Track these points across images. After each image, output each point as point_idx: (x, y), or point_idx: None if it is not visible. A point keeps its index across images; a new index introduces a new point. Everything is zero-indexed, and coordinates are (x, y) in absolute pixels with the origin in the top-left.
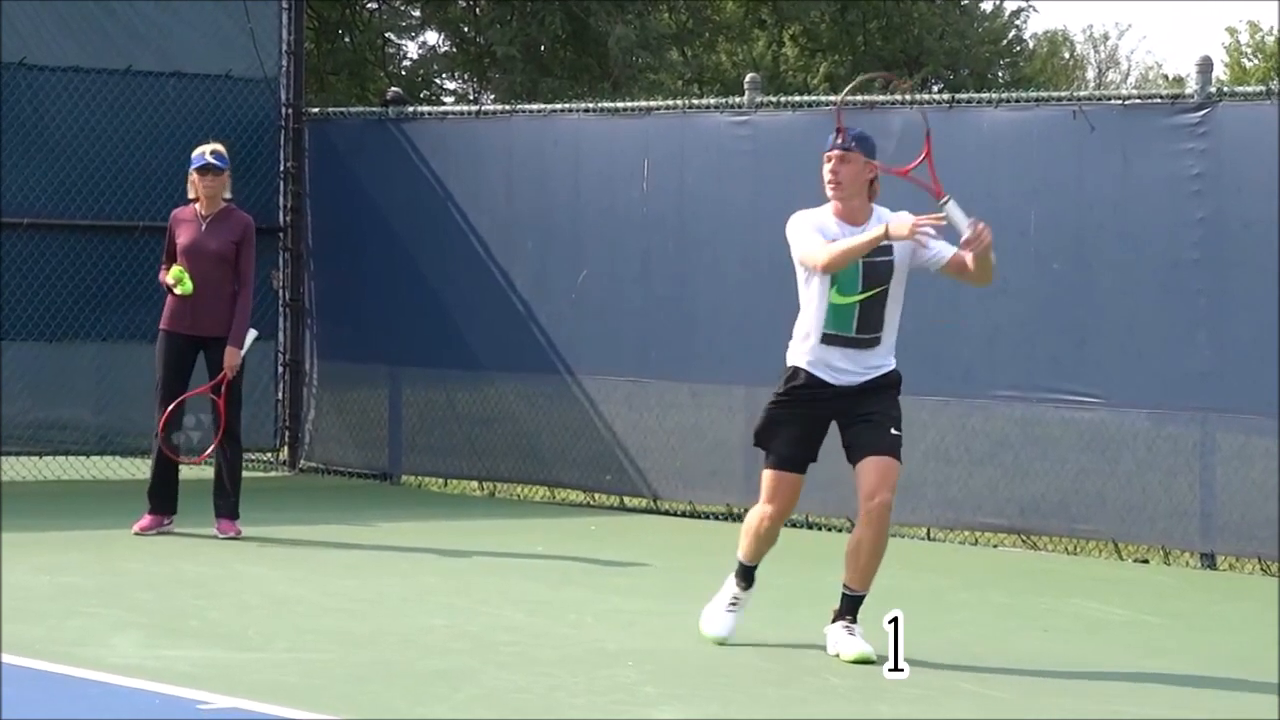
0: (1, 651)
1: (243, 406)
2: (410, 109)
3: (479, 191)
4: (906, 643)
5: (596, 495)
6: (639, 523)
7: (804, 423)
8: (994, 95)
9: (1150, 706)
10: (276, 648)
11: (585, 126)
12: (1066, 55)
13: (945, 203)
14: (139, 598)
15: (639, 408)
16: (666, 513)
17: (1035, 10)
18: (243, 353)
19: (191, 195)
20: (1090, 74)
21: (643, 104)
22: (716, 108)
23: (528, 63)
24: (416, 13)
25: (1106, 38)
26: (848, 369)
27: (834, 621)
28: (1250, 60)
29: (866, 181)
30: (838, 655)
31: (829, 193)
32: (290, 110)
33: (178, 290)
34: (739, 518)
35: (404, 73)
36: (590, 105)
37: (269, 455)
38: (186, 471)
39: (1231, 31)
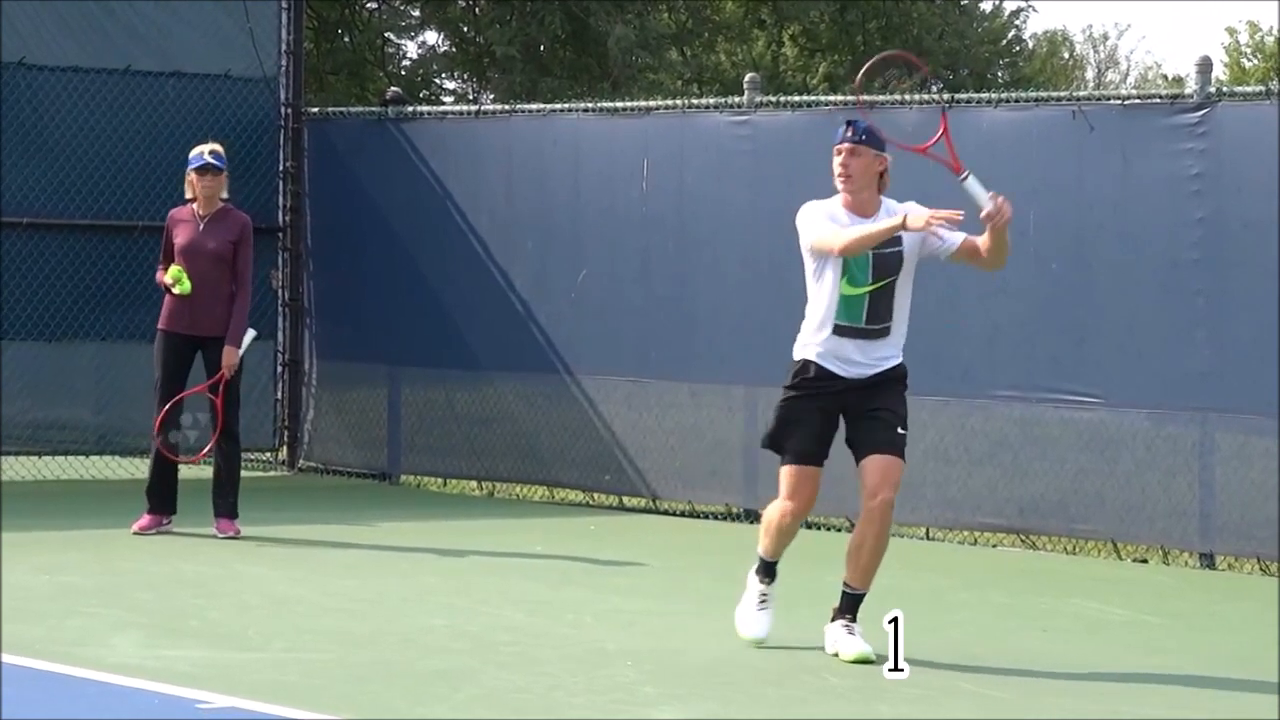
0: (1, 651)
1: (242, 406)
2: (410, 109)
3: (478, 191)
4: (906, 643)
5: (596, 495)
6: (638, 523)
7: (817, 415)
8: (993, 95)
9: (1150, 706)
10: (276, 647)
11: (585, 126)
12: (1066, 55)
13: (965, 178)
14: (138, 597)
15: (638, 408)
16: (666, 513)
17: (1034, 10)
18: (241, 352)
19: (189, 195)
20: (1090, 74)
21: (642, 104)
22: (716, 108)
23: (527, 63)
24: (416, 12)
25: (1106, 38)
26: (858, 360)
27: (834, 620)
28: (1250, 60)
29: (876, 174)
30: (837, 654)
31: (839, 185)
32: (289, 110)
33: (176, 290)
34: (738, 517)
35: (403, 72)
36: (590, 105)
37: (268, 455)
38: (185, 471)
39: (1231, 32)
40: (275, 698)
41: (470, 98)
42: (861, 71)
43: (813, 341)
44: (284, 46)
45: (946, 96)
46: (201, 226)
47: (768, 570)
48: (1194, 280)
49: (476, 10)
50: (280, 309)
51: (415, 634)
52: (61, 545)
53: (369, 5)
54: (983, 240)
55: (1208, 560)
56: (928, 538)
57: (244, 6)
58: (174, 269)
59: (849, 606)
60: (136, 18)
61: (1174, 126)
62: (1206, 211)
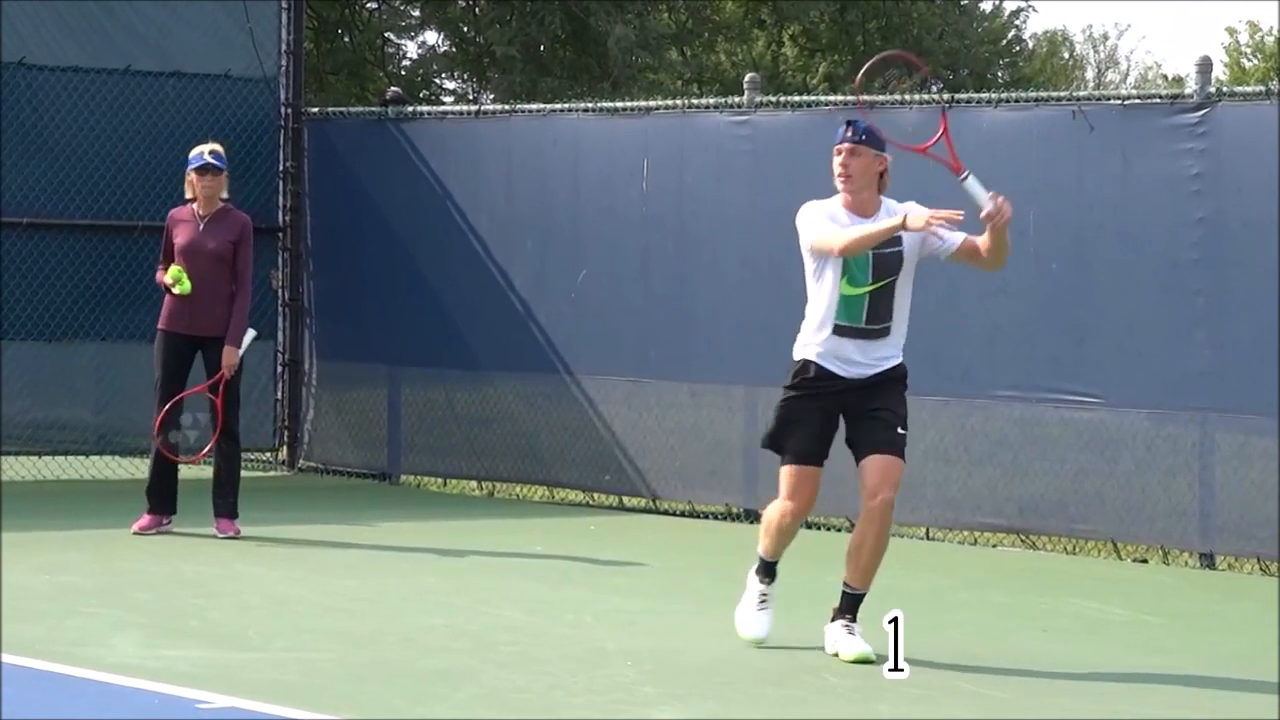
0: (1, 651)
1: (242, 406)
2: (409, 109)
3: (478, 191)
4: (906, 642)
5: (595, 495)
6: (638, 522)
7: (817, 415)
8: (993, 95)
9: (1150, 706)
10: (276, 647)
11: (585, 126)
12: (1066, 55)
13: (965, 178)
14: (138, 597)
15: (638, 407)
16: (665, 512)
17: (1034, 10)
18: (241, 352)
19: (189, 195)
20: (1090, 74)
21: (642, 104)
22: (716, 107)
23: (527, 62)
24: (416, 12)
25: (1106, 38)
26: (858, 360)
27: (834, 620)
28: (1250, 60)
29: (876, 174)
30: (836, 654)
31: (839, 186)
32: (289, 110)
33: (176, 290)
34: (738, 517)
35: (403, 72)
36: (590, 105)
37: (268, 455)
38: (185, 471)
39: (1231, 31)
40: (275, 697)
41: (470, 98)
42: (861, 71)
43: (813, 341)
44: (284, 46)
45: (946, 96)
46: (201, 226)
47: (768, 570)
48: (1194, 280)
49: (476, 10)
50: (280, 309)
51: (415, 633)
52: (61, 545)
53: (369, 5)
54: (983, 240)
55: (1208, 560)
56: (928, 538)
57: (244, 6)
58: (174, 269)
59: (849, 606)
60: (136, 17)
61: (1174, 126)
62: (1206, 211)
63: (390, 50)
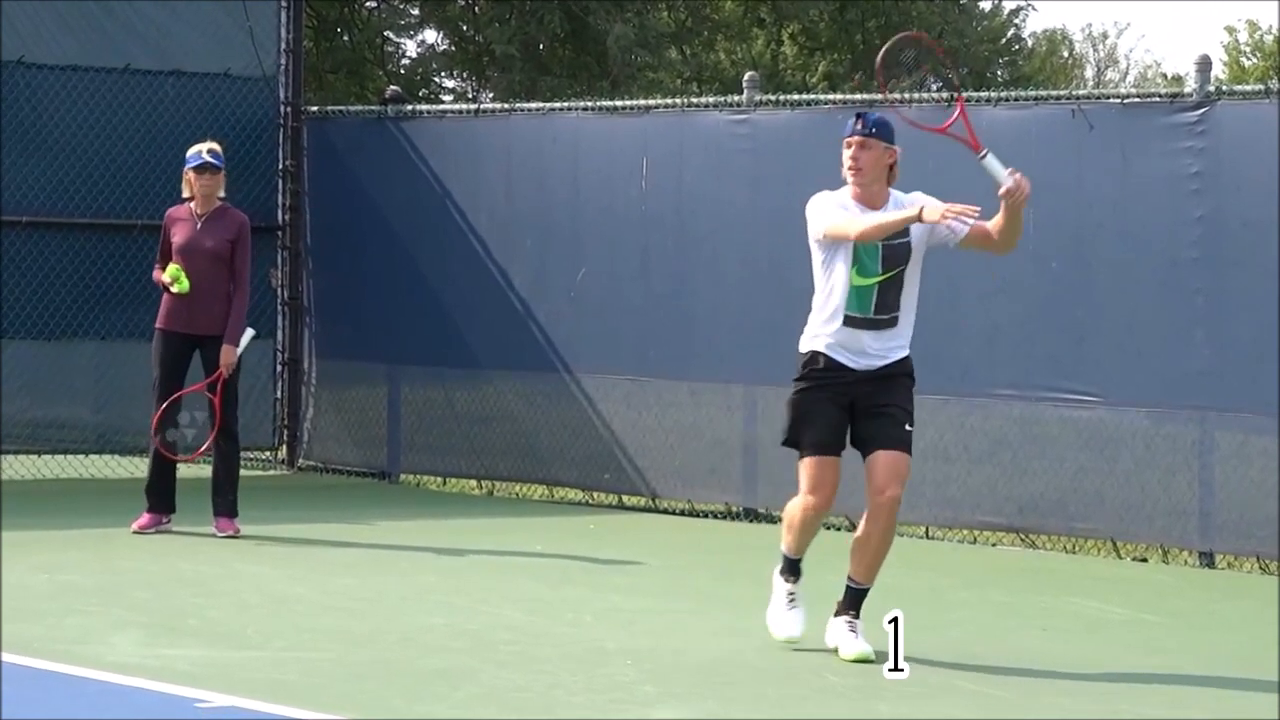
0: (1, 650)
1: (241, 405)
2: (409, 107)
3: (478, 190)
4: (905, 641)
5: (595, 494)
6: (638, 521)
7: (831, 405)
8: (993, 94)
9: (1149, 705)
10: (275, 646)
11: (584, 125)
12: (1065, 54)
13: (984, 155)
14: (138, 596)
15: (638, 406)
16: (665, 511)
17: (1034, 9)
18: (239, 351)
19: (187, 194)
20: (1089, 73)
21: (641, 102)
22: (715, 106)
23: (526, 61)
24: (415, 11)
25: (1105, 36)
26: (866, 351)
27: (838, 615)
28: (1249, 59)
29: (886, 167)
30: (836, 649)
31: (849, 178)
32: (289, 109)
33: (175, 289)
34: (738, 516)
35: (403, 71)
36: (589, 104)
37: (267, 454)
38: (185, 470)
39: (1230, 30)
40: (274, 696)
41: (469, 96)
42: (880, 55)
43: (822, 333)
44: (283, 45)
45: (946, 94)
46: (199, 225)
47: (792, 568)
48: (1193, 279)
49: (476, 9)
50: (280, 308)
51: (414, 632)
52: (61, 544)
53: (368, 4)
54: (995, 221)
55: (1207, 559)
56: (927, 536)
57: (243, 5)
58: (172, 268)
59: (853, 602)
60: (136, 16)
61: (1173, 125)
62: (1206, 210)
63: (389, 49)
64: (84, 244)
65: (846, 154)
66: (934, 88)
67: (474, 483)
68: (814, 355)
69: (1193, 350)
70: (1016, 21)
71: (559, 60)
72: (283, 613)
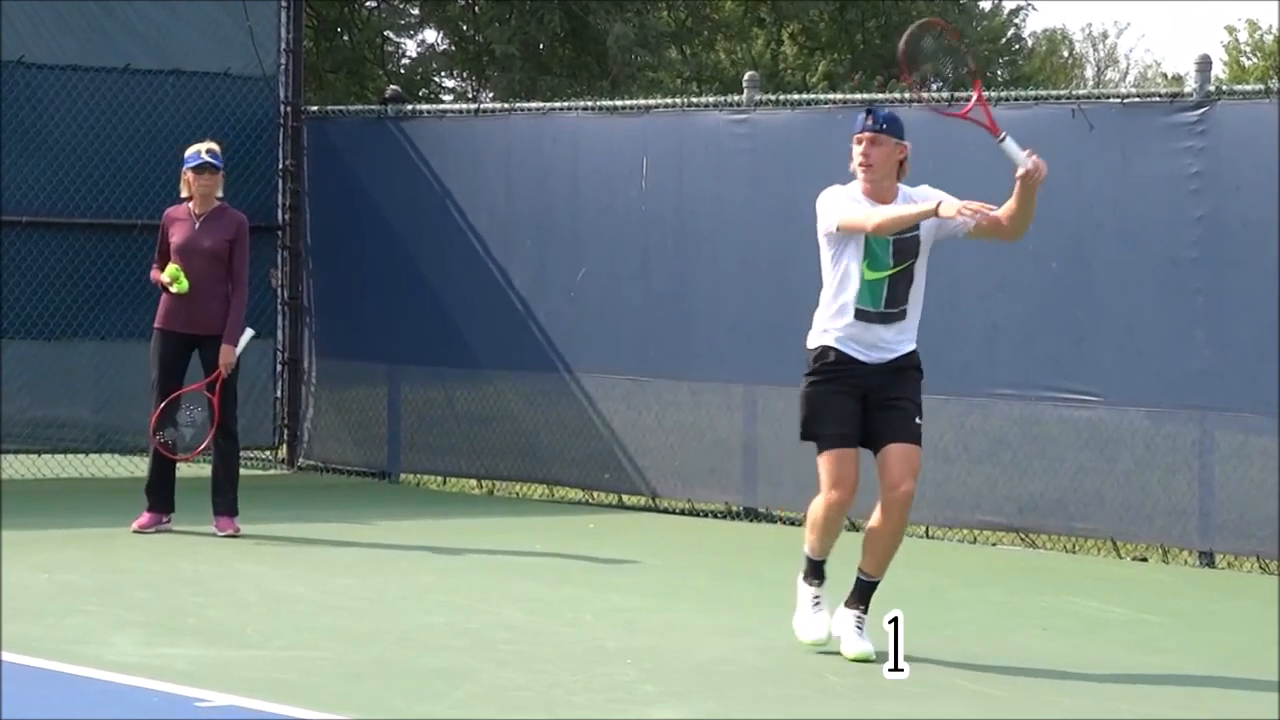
0: (1, 649)
1: (241, 405)
2: (409, 107)
3: (478, 190)
4: (905, 641)
5: (595, 493)
6: (637, 521)
7: (847, 397)
8: (993, 94)
9: (1149, 705)
10: (275, 646)
11: (584, 125)
12: (1065, 54)
13: (1003, 139)
14: (138, 596)
15: (638, 406)
16: (665, 511)
17: (1034, 9)
18: (238, 351)
19: (185, 194)
20: (1089, 72)
21: (641, 102)
22: (715, 106)
23: (526, 61)
24: (415, 11)
25: (1105, 36)
26: (876, 344)
27: (847, 607)
28: (1249, 59)
29: (896, 163)
30: (838, 640)
31: (859, 174)
32: (289, 108)
33: (174, 289)
34: (738, 516)
35: (403, 71)
36: (589, 104)
37: (267, 453)
38: (185, 469)
39: (1230, 30)
40: (274, 696)
41: (469, 96)
42: (902, 45)
43: (832, 327)
44: (283, 45)
45: (946, 95)
46: (197, 225)
47: (816, 571)
48: (1193, 279)
49: (476, 9)
50: (280, 307)
51: (414, 632)
52: (61, 543)
53: (368, 4)
54: (1006, 207)
55: (1207, 559)
56: (927, 536)
57: (243, 5)
58: (171, 267)
59: (863, 594)
60: (135, 16)
61: (1173, 125)
62: (1206, 210)
63: (389, 49)
64: (84, 244)
65: (857, 150)
66: (935, 87)
67: (474, 482)
68: (824, 350)
69: (1193, 350)
70: (1016, 21)
71: (559, 60)
72: (282, 612)
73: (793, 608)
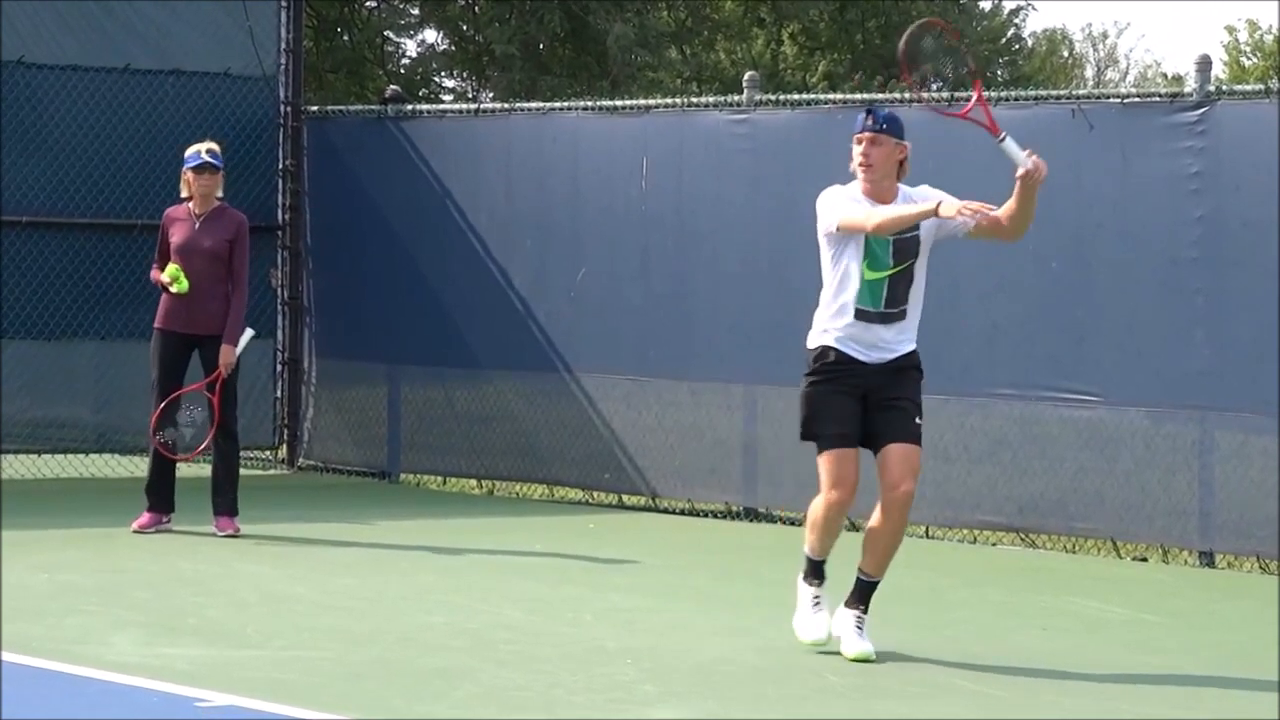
0: (1, 649)
1: (241, 405)
2: (409, 107)
3: (478, 190)
4: (905, 641)
5: (595, 493)
6: (637, 521)
7: (847, 397)
8: (993, 94)
9: (1149, 705)
10: (275, 646)
11: (584, 125)
12: (1065, 54)
13: (1003, 139)
14: (138, 596)
15: (638, 406)
16: (665, 511)
17: (1034, 9)
18: (238, 351)
19: (185, 194)
20: (1089, 72)
21: (641, 102)
22: (715, 106)
23: (526, 61)
24: (415, 11)
25: (1105, 36)
26: (877, 344)
27: (847, 607)
28: (1249, 59)
29: (896, 163)
30: (838, 640)
31: (860, 175)
32: (289, 108)
33: (174, 289)
34: (738, 516)
35: (403, 71)
36: (589, 104)
37: (267, 453)
38: (185, 469)
39: (1230, 30)
40: (274, 696)
41: (469, 96)
42: (902, 45)
43: (832, 327)
44: (283, 45)
45: (946, 95)
46: (197, 225)
47: (816, 571)
48: (1193, 279)
49: (476, 9)
50: (280, 307)
51: (414, 632)
52: (61, 543)
53: (368, 4)
54: (1006, 207)
55: (1207, 559)
56: (927, 536)
57: (243, 5)
58: (171, 267)
59: (863, 594)
60: (135, 16)
61: (1173, 125)
62: (1206, 210)
63: (389, 49)
64: (84, 244)
65: (857, 150)
66: (935, 88)
67: (474, 482)
68: (824, 349)
69: (1193, 350)
70: (1016, 21)
71: (559, 60)
72: (282, 612)
73: (793, 608)
